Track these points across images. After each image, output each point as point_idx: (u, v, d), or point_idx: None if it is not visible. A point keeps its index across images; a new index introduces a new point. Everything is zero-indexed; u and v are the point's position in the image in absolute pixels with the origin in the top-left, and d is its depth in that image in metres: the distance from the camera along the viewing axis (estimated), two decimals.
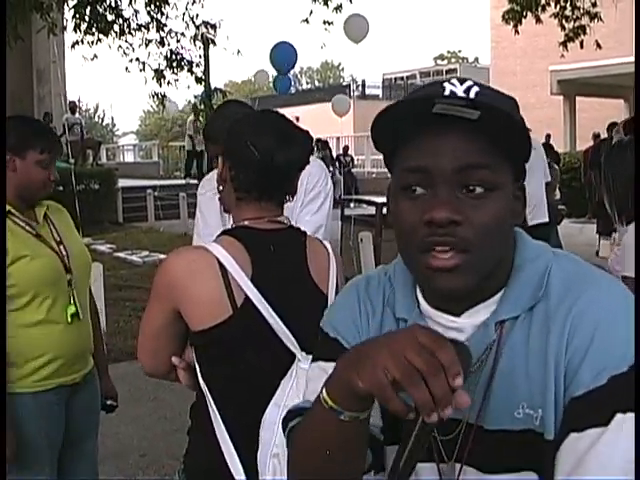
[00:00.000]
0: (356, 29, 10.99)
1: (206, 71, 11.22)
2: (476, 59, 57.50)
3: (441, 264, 0.84)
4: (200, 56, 10.61)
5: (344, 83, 46.53)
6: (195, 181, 14.51)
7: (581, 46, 10.06)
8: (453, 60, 59.99)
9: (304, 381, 1.14)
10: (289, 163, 1.58)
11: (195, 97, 11.98)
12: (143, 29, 10.01)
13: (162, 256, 8.52)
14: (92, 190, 13.25)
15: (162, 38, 10.12)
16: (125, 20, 9.86)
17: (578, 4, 10.10)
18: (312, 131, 1.72)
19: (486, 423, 0.90)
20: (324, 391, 0.84)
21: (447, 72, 40.00)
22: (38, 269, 2.15)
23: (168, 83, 10.18)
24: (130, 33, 9.94)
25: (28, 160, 2.18)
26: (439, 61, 61.04)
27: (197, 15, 10.38)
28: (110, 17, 9.70)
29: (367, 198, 9.76)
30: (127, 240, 11.76)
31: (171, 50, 10.22)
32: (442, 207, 0.83)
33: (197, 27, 10.33)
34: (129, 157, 29.37)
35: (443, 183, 0.85)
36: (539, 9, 10.22)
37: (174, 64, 10.19)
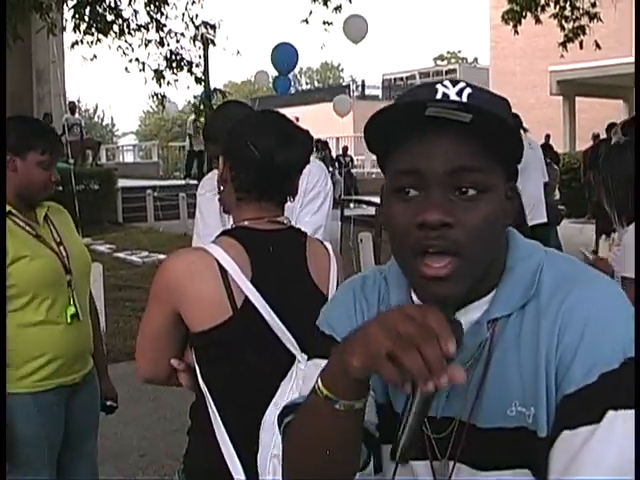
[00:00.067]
0: (355, 29, 11.01)
1: (206, 71, 11.21)
2: (475, 59, 57.63)
3: (434, 273, 0.85)
4: (200, 56, 10.61)
5: (344, 83, 46.62)
6: (195, 181, 14.49)
7: (580, 46, 10.07)
8: (453, 60, 60.03)
9: None
10: (289, 163, 1.58)
11: (195, 97, 11.97)
12: (143, 29, 10.00)
13: (162, 256, 8.52)
14: (92, 190, 13.24)
15: (162, 38, 10.12)
16: (125, 20, 9.86)
17: (577, 4, 10.12)
18: (312, 131, 1.72)
19: (479, 421, 0.91)
20: (319, 381, 0.85)
21: (447, 72, 40.08)
22: (38, 270, 2.15)
23: (168, 83, 10.17)
24: (130, 33, 9.94)
25: (29, 161, 2.17)
26: (439, 61, 61.13)
27: (197, 15, 10.39)
28: (110, 17, 9.70)
29: (367, 198, 9.78)
30: (127, 240, 11.76)
31: (171, 50, 10.21)
32: (434, 209, 0.84)
33: (197, 27, 10.32)
34: (129, 157, 29.32)
35: (435, 185, 0.85)
36: (538, 9, 10.24)
37: (174, 64, 10.18)
